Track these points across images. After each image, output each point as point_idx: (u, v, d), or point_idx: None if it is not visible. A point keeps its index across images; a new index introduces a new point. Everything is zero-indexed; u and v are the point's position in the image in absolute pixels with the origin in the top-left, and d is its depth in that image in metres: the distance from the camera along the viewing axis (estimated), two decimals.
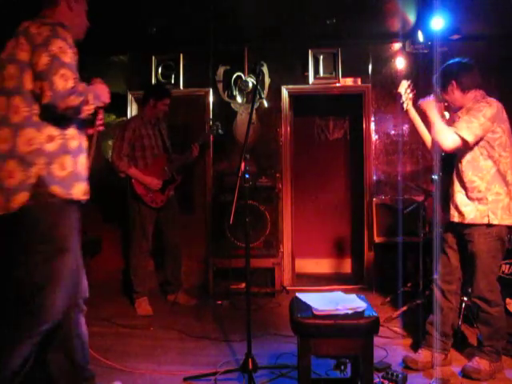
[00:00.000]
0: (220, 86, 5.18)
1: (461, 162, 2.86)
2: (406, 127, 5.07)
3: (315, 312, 2.28)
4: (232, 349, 3.31)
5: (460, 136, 2.75)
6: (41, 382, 2.32)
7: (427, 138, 3.09)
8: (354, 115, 5.59)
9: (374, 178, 5.10)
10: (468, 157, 2.83)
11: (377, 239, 4.94)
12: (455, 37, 4.38)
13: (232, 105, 5.16)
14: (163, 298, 4.58)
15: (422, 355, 2.96)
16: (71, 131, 2.13)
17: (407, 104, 3.04)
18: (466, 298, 3.48)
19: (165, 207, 4.33)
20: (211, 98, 5.19)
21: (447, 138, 2.77)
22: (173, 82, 5.17)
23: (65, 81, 1.97)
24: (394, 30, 4.82)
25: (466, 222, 2.83)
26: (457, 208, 2.87)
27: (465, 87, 2.87)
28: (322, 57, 5.09)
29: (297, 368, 2.42)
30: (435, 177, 2.89)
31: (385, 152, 5.11)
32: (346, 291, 2.59)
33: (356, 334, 2.25)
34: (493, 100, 2.87)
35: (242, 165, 2.74)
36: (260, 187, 4.86)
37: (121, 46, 5.17)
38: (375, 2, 4.19)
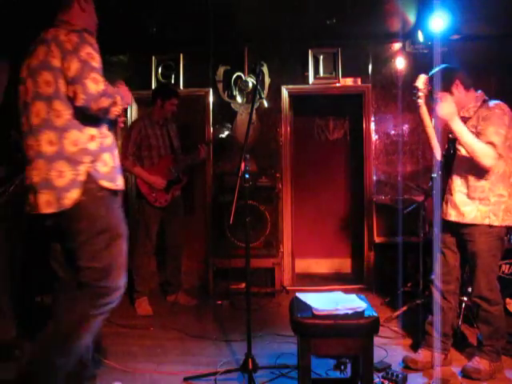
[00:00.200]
0: (220, 86, 5.18)
1: (465, 162, 2.83)
2: (405, 127, 5.07)
3: (315, 312, 2.28)
4: (232, 349, 3.32)
5: (497, 151, 2.71)
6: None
7: (433, 140, 3.00)
8: (354, 115, 5.58)
9: (374, 178, 5.10)
10: None
11: (377, 239, 4.95)
12: (455, 37, 4.39)
13: (232, 105, 5.16)
14: (163, 298, 4.58)
15: (422, 355, 2.96)
16: (104, 130, 2.28)
17: (422, 100, 2.93)
18: (465, 298, 3.49)
19: (169, 207, 4.33)
20: (211, 98, 5.19)
21: (489, 155, 2.70)
22: (173, 82, 5.17)
23: (96, 84, 2.11)
24: (394, 30, 4.82)
25: (465, 221, 2.82)
26: (455, 207, 2.86)
27: (467, 85, 2.88)
28: (321, 57, 5.09)
29: (297, 368, 2.42)
30: (434, 175, 2.88)
31: (385, 152, 5.11)
32: (345, 291, 2.59)
33: (356, 333, 2.25)
34: (504, 105, 2.85)
35: (242, 165, 2.75)
36: (260, 187, 4.86)
37: (121, 46, 5.16)
38: (375, 2, 4.19)
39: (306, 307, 2.35)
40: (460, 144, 2.78)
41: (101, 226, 2.21)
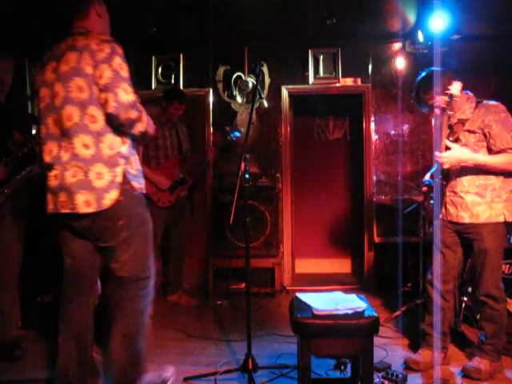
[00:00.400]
0: (220, 86, 5.18)
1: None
2: (405, 127, 5.07)
3: (315, 312, 2.28)
4: (232, 349, 3.32)
5: None
6: None
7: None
8: (354, 115, 5.58)
9: (374, 178, 5.10)
10: None
11: (377, 239, 4.95)
12: (455, 37, 4.39)
13: (232, 105, 5.16)
14: (164, 298, 4.57)
15: (423, 355, 2.96)
16: (129, 136, 2.39)
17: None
18: (465, 298, 3.49)
19: (174, 208, 4.33)
20: (211, 98, 5.19)
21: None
22: (173, 81, 5.17)
23: (126, 94, 2.24)
24: (394, 30, 4.82)
25: (480, 222, 2.80)
26: (467, 209, 2.84)
27: (462, 88, 2.87)
28: (321, 57, 5.09)
29: (297, 368, 2.42)
30: (437, 180, 2.87)
31: (385, 152, 5.11)
32: (345, 291, 2.59)
33: (356, 333, 2.25)
34: (502, 105, 2.87)
35: (242, 165, 2.75)
36: (260, 187, 4.86)
37: (120, 45, 5.16)
38: (375, 2, 4.19)
39: (306, 307, 2.35)
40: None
41: (139, 222, 2.39)
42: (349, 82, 5.13)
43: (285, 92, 5.21)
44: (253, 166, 4.93)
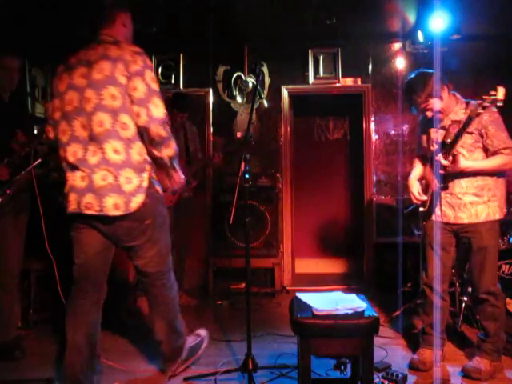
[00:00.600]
0: (220, 86, 5.18)
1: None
2: (405, 127, 5.08)
3: (315, 312, 2.28)
4: (232, 349, 3.32)
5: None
6: None
7: None
8: (354, 115, 5.59)
9: (374, 178, 5.10)
10: (480, 157, 2.83)
11: (377, 239, 4.94)
12: (455, 37, 4.38)
13: (232, 105, 5.17)
14: None
15: (425, 355, 2.96)
16: None
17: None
18: (465, 298, 3.49)
19: (176, 208, 4.32)
20: (211, 98, 5.19)
21: (509, 161, 2.78)
22: (173, 81, 5.17)
23: (158, 109, 2.38)
24: (394, 30, 4.82)
25: (479, 221, 2.82)
26: (466, 209, 2.85)
27: (450, 88, 2.89)
28: (321, 57, 5.09)
29: (297, 368, 2.42)
30: (439, 184, 2.87)
31: (385, 152, 5.11)
32: (345, 291, 2.59)
33: (356, 333, 2.25)
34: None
35: (242, 165, 2.75)
36: (260, 187, 4.86)
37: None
38: (375, 2, 4.19)
39: (306, 307, 2.34)
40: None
41: (161, 221, 2.57)
42: (349, 82, 5.13)
43: (285, 92, 5.21)
44: (253, 166, 4.93)
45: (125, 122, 2.35)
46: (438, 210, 2.92)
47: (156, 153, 2.44)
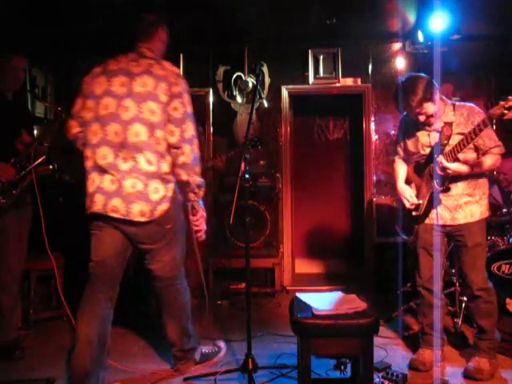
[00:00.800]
0: (220, 86, 5.18)
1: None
2: None
3: (315, 312, 2.28)
4: (232, 349, 3.31)
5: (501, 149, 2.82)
6: None
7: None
8: (354, 115, 5.58)
9: (374, 178, 5.10)
10: (472, 158, 2.85)
11: (377, 239, 4.94)
12: (455, 37, 4.38)
13: (232, 105, 5.16)
14: None
15: (425, 355, 2.96)
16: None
17: None
18: (465, 298, 3.49)
19: None
20: (211, 98, 5.19)
21: (498, 159, 2.83)
22: None
23: (189, 131, 2.55)
24: (394, 30, 4.82)
25: (475, 220, 2.86)
26: (461, 209, 2.87)
27: (450, 90, 2.90)
28: (321, 57, 5.09)
29: (297, 368, 2.42)
30: (439, 187, 2.88)
31: (385, 152, 5.11)
32: (345, 291, 2.59)
33: (356, 334, 2.25)
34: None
35: (242, 165, 2.75)
36: (260, 187, 4.86)
37: (121, 46, 5.15)
38: (375, 2, 4.19)
39: (306, 307, 2.35)
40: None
41: (181, 226, 2.71)
42: (349, 82, 5.13)
43: (285, 92, 5.21)
44: (253, 166, 4.93)
45: (159, 137, 2.49)
46: (433, 213, 2.92)
47: (184, 176, 2.57)
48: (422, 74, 2.84)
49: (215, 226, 4.91)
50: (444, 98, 2.92)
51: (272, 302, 4.63)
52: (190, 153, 2.55)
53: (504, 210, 3.78)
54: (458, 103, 2.90)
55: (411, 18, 4.51)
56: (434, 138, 2.86)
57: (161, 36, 2.75)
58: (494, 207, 4.02)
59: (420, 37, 4.55)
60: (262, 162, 5.15)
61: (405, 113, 3.02)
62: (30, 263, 3.55)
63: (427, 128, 2.88)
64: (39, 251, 3.15)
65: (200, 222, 2.75)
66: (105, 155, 2.48)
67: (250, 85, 5.05)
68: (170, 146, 2.52)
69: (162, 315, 2.85)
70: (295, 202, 5.53)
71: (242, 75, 5.10)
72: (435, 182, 2.84)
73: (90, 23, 4.44)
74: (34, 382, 2.82)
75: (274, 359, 3.09)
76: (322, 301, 2.39)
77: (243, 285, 4.59)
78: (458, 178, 2.83)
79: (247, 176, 2.77)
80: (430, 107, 2.78)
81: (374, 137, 5.13)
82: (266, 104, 5.04)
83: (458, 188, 2.87)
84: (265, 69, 5.11)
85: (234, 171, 2.84)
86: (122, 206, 2.45)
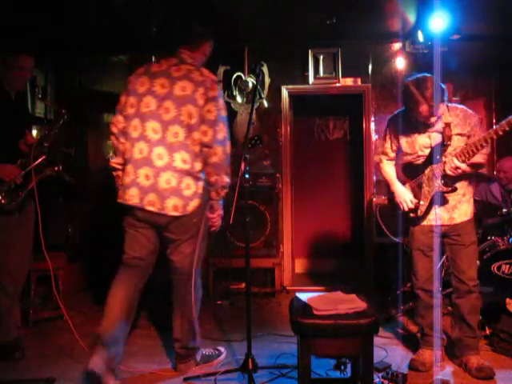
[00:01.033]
0: (220, 85, 5.16)
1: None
2: None
3: (315, 312, 2.28)
4: (232, 349, 3.32)
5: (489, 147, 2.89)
6: None
7: None
8: (354, 115, 5.58)
9: (374, 178, 5.10)
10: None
11: (377, 239, 4.94)
12: (455, 37, 4.38)
13: (232, 105, 5.16)
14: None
15: (425, 355, 2.96)
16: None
17: None
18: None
19: None
20: None
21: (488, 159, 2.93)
22: None
23: (222, 132, 2.72)
24: (394, 30, 4.82)
25: (468, 218, 2.93)
26: (456, 209, 2.92)
27: (449, 90, 2.91)
28: (321, 57, 5.09)
29: (297, 368, 2.42)
30: (445, 188, 2.91)
31: None
32: (345, 291, 2.59)
33: (356, 333, 2.25)
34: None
35: (242, 165, 2.75)
36: (260, 187, 4.86)
37: (121, 46, 5.17)
38: (375, 2, 4.19)
39: (306, 307, 2.35)
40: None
41: (205, 222, 2.83)
42: (349, 82, 5.13)
43: (285, 92, 5.21)
44: (253, 166, 4.93)
45: (196, 138, 2.68)
46: (431, 214, 2.92)
47: (213, 176, 2.73)
48: (429, 75, 2.83)
49: None
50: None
51: (272, 301, 4.63)
52: (221, 153, 2.70)
53: (504, 210, 3.78)
54: (449, 104, 2.92)
55: (411, 18, 4.50)
56: (435, 138, 2.86)
57: (205, 49, 2.93)
58: (493, 206, 4.04)
59: (420, 37, 4.55)
60: (262, 162, 5.16)
61: (396, 112, 3.06)
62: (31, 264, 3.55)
63: (428, 129, 2.88)
64: (40, 251, 3.16)
65: (216, 220, 2.90)
66: (142, 149, 2.67)
67: (250, 85, 5.05)
68: (203, 146, 2.68)
69: (173, 309, 2.92)
70: (295, 202, 5.53)
71: (242, 75, 5.10)
72: (440, 182, 2.85)
73: (90, 23, 4.44)
74: (34, 382, 2.82)
75: (273, 359, 3.09)
76: (322, 301, 2.39)
77: (243, 285, 4.59)
78: (458, 178, 2.85)
79: (247, 176, 2.79)
80: (441, 108, 2.80)
81: (374, 137, 5.13)
82: (265, 104, 5.04)
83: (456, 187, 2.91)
84: (265, 69, 5.11)
85: (234, 171, 2.84)
86: (157, 201, 2.64)
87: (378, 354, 3.02)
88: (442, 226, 2.92)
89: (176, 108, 2.67)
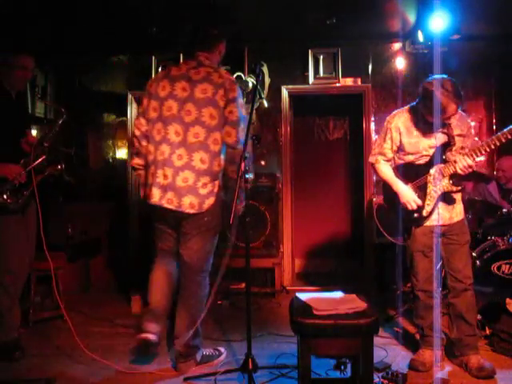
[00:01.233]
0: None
1: None
2: None
3: (315, 312, 2.28)
4: (232, 349, 3.32)
5: None
6: None
7: None
8: (354, 115, 5.58)
9: (374, 178, 5.10)
10: None
11: (377, 239, 4.94)
12: (455, 37, 4.38)
13: None
14: None
15: (425, 356, 2.96)
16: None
17: None
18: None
19: None
20: None
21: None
22: None
23: (243, 132, 2.77)
24: (394, 30, 4.82)
25: (463, 217, 2.99)
26: (454, 209, 2.96)
27: None
28: (321, 57, 5.09)
29: (297, 368, 2.42)
30: (455, 187, 2.93)
31: None
32: (345, 291, 2.59)
33: (356, 333, 2.25)
34: None
35: (242, 165, 2.75)
36: (260, 187, 4.85)
37: (121, 45, 5.17)
38: (375, 2, 4.19)
39: (306, 307, 2.35)
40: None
41: (216, 222, 2.95)
42: (349, 82, 5.13)
43: (285, 92, 5.21)
44: (256, 166, 4.93)
45: (216, 138, 2.80)
46: (434, 214, 2.93)
47: (234, 174, 2.79)
48: (453, 81, 2.80)
49: None
50: None
51: (272, 301, 4.63)
52: (241, 150, 2.75)
53: (504, 210, 3.78)
54: None
55: (411, 18, 4.51)
56: (440, 139, 2.89)
57: (221, 49, 3.02)
58: (492, 206, 4.03)
59: (420, 37, 4.55)
60: (262, 162, 5.16)
61: (395, 112, 3.08)
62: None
63: (434, 129, 2.88)
64: (40, 251, 3.16)
65: (239, 208, 2.93)
66: (163, 151, 2.80)
67: (250, 85, 5.04)
68: (228, 147, 2.80)
69: (178, 304, 2.99)
70: (295, 202, 5.53)
71: (242, 75, 5.09)
72: (449, 182, 2.86)
73: (90, 23, 4.44)
74: (34, 381, 2.82)
75: (273, 359, 3.09)
76: (321, 301, 2.39)
77: (243, 285, 4.58)
78: (465, 177, 2.90)
79: (247, 176, 2.78)
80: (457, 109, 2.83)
81: (374, 137, 5.12)
82: (265, 104, 5.04)
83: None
84: (265, 69, 5.10)
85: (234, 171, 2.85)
86: (175, 199, 2.79)
87: (378, 354, 3.02)
88: (443, 225, 2.93)
89: (197, 110, 2.79)
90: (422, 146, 2.92)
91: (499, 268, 3.47)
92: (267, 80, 5.13)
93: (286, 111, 5.23)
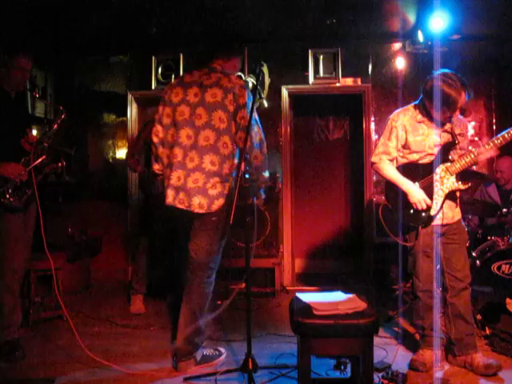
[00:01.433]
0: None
1: None
2: None
3: (315, 312, 2.28)
4: (232, 349, 3.31)
5: None
6: None
7: None
8: (354, 115, 5.58)
9: (374, 178, 5.10)
10: None
11: (377, 239, 4.94)
12: (455, 37, 4.39)
13: None
14: (163, 297, 4.57)
15: (425, 356, 2.95)
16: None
17: None
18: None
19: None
20: None
21: None
22: (173, 81, 5.15)
23: (258, 135, 2.90)
24: (394, 30, 4.82)
25: (460, 216, 3.03)
26: (456, 208, 2.99)
27: None
28: (321, 57, 5.08)
29: (297, 368, 2.42)
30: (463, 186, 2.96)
31: None
32: (345, 291, 2.59)
33: (356, 333, 2.25)
34: None
35: (242, 165, 2.75)
36: None
37: (121, 45, 5.17)
38: (375, 1, 4.19)
39: (306, 307, 2.35)
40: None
41: (224, 223, 2.96)
42: (349, 82, 5.13)
43: (285, 92, 5.21)
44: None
45: (226, 141, 2.87)
46: (440, 213, 2.93)
47: (255, 176, 2.93)
48: (459, 77, 2.84)
49: None
50: None
51: (272, 301, 4.63)
52: (260, 156, 2.93)
53: (504, 210, 3.78)
54: None
55: (411, 17, 4.51)
56: (445, 137, 2.91)
57: (236, 64, 3.15)
58: (492, 206, 4.04)
59: (420, 37, 4.55)
60: None
61: (399, 110, 3.08)
62: (30, 263, 3.55)
63: (439, 128, 2.89)
64: (40, 251, 3.16)
65: (259, 202, 3.06)
66: (176, 155, 2.90)
67: (250, 85, 5.04)
68: (243, 152, 2.80)
69: (182, 301, 3.03)
70: (295, 202, 5.53)
71: (242, 75, 5.09)
72: (457, 180, 2.88)
73: (90, 23, 4.44)
74: (34, 381, 2.82)
75: (274, 359, 3.08)
76: (322, 301, 2.39)
77: (243, 285, 4.58)
78: (472, 176, 3.01)
79: (247, 176, 2.80)
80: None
81: (374, 137, 5.12)
82: (265, 104, 5.04)
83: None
84: (265, 69, 5.10)
85: None
86: (186, 199, 2.87)
87: (378, 354, 3.02)
88: (445, 225, 2.92)
89: (207, 114, 2.87)
90: (428, 144, 2.92)
91: (499, 268, 3.47)
92: (267, 80, 5.13)
93: (286, 111, 5.23)
